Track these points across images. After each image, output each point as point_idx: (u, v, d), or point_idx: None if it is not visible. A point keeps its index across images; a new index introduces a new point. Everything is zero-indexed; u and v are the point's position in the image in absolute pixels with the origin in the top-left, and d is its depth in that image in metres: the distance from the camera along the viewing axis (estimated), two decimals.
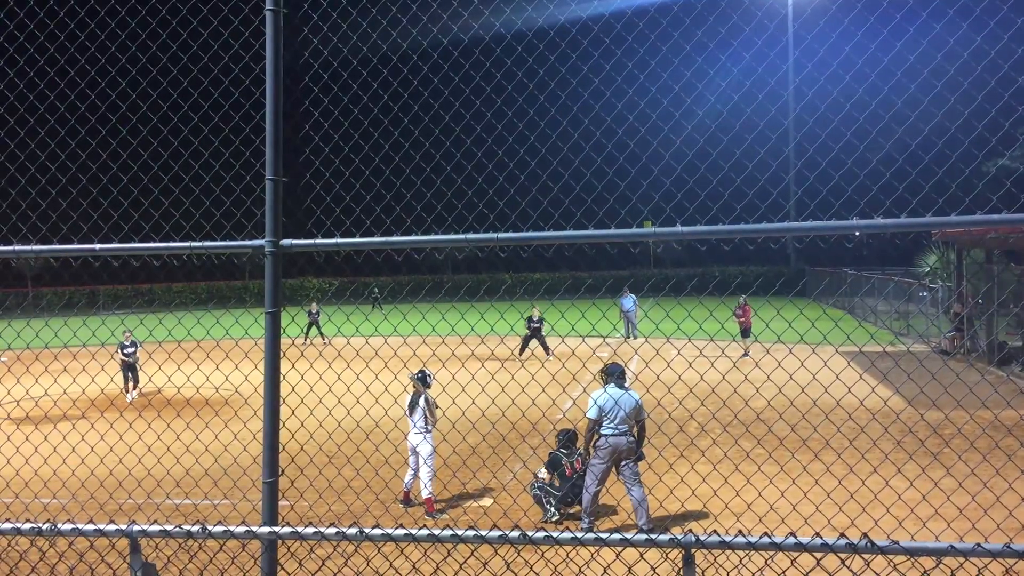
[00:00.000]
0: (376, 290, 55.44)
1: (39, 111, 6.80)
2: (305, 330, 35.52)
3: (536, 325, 29.55)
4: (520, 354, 28.84)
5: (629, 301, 34.88)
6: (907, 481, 7.06)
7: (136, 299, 64.13)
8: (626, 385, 10.93)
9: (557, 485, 11.47)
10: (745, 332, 28.15)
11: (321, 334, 35.71)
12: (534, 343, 29.80)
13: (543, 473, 11.61)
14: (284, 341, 5.48)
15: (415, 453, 11.82)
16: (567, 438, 11.75)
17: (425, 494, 11.63)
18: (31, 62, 6.69)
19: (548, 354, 29.03)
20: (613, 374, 10.99)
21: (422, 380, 11.85)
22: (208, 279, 66.80)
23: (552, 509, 11.26)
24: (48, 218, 6.90)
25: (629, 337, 34.28)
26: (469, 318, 7.00)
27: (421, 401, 11.77)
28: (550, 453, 11.73)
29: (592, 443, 10.82)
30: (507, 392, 6.88)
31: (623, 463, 10.68)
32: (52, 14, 6.57)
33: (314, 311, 35.67)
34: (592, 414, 10.70)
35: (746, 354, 26.28)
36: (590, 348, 26.98)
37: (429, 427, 11.77)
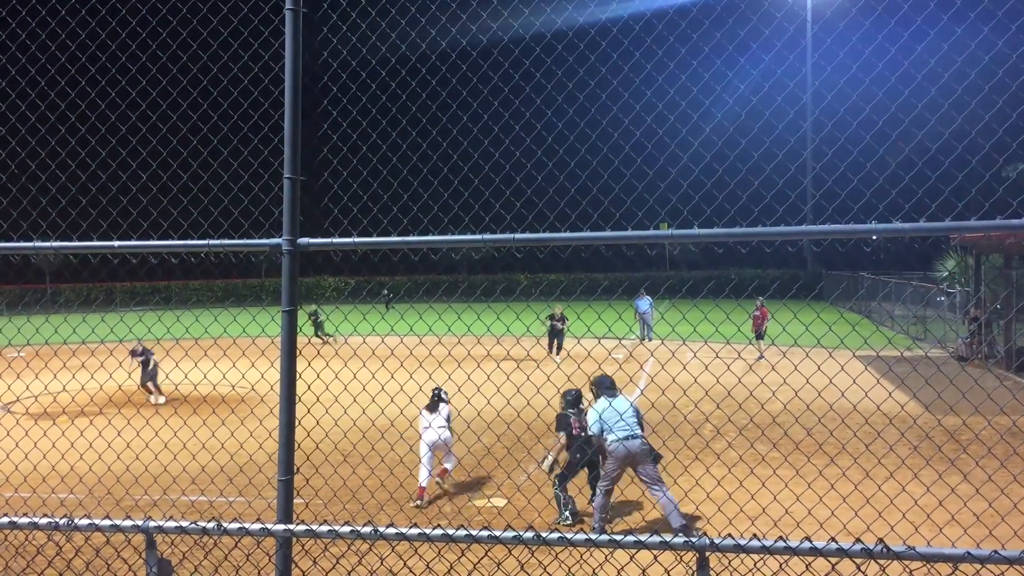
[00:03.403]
0: (387, 291, 55.26)
1: (60, 108, 6.85)
2: (315, 331, 35.42)
3: (558, 325, 29.62)
4: (551, 352, 28.88)
5: (645, 303, 34.82)
6: (923, 487, 7.02)
7: (153, 296, 64.43)
8: (617, 393, 11.02)
9: (562, 460, 11.42)
10: (759, 335, 28.04)
11: (326, 334, 35.61)
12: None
13: (551, 458, 11.59)
14: (300, 340, 5.49)
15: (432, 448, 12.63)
16: (574, 397, 11.73)
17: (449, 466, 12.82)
18: (53, 60, 6.74)
19: (557, 353, 29.05)
20: (602, 386, 11.09)
21: (441, 399, 13.08)
22: (225, 277, 67.12)
23: (567, 513, 11.26)
24: (68, 215, 6.94)
25: (645, 339, 34.23)
26: (485, 318, 7.02)
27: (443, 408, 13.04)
28: (558, 415, 11.65)
29: (606, 453, 10.82)
30: (522, 393, 6.88)
31: (640, 467, 10.64)
32: (73, 12, 6.61)
33: (312, 312, 35.50)
34: (595, 430, 10.77)
35: (761, 357, 26.18)
36: (606, 350, 26.93)
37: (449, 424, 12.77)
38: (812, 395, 6.93)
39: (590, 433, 10.85)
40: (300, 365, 5.46)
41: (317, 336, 35.63)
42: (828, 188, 5.67)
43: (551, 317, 29.63)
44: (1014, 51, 5.07)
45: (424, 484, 12.36)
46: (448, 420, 12.93)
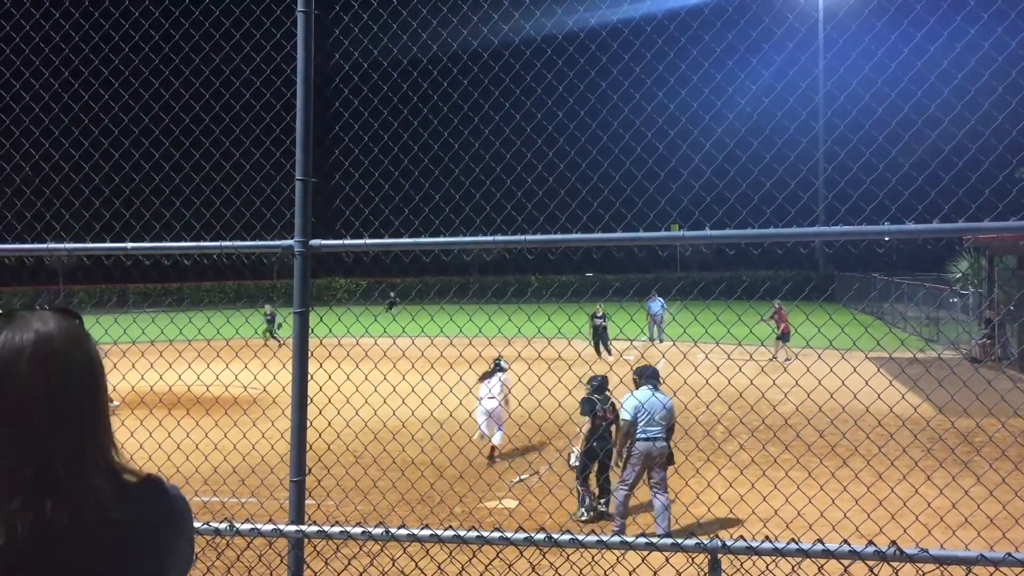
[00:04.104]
0: (392, 294, 54.83)
1: (73, 111, 6.88)
2: (267, 331, 34.62)
3: (600, 322, 29.54)
4: (599, 354, 28.79)
5: (657, 304, 34.76)
6: (936, 489, 6.98)
7: (166, 298, 64.59)
8: (659, 387, 10.91)
9: (581, 451, 11.41)
10: (784, 336, 27.81)
11: (274, 336, 34.59)
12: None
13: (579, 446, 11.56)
14: (312, 341, 5.50)
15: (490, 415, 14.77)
16: (600, 383, 11.69)
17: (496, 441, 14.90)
18: (66, 62, 6.77)
19: (609, 354, 28.98)
20: (648, 376, 10.96)
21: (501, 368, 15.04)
22: (237, 278, 67.23)
23: (583, 509, 11.28)
24: (81, 217, 6.98)
25: (655, 340, 34.12)
26: (496, 320, 7.03)
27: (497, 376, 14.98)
28: (582, 399, 11.61)
29: (627, 447, 10.77)
30: (533, 394, 6.88)
31: (654, 469, 10.63)
32: (87, 14, 6.65)
33: (268, 313, 34.97)
34: (628, 416, 10.67)
35: (774, 358, 26.05)
36: (618, 351, 26.91)
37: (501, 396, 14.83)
38: (824, 397, 6.92)
39: (622, 419, 10.74)
40: (311, 366, 5.47)
41: (269, 337, 34.54)
42: (840, 189, 5.65)
43: (593, 315, 29.56)
44: None
45: (496, 442, 14.75)
46: (501, 389, 14.61)
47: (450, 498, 12.12)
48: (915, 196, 5.27)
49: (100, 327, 8.03)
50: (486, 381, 14.85)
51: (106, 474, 1.96)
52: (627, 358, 26.75)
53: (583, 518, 11.23)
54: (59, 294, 59.81)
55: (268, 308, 36.09)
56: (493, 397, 14.66)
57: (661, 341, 33.72)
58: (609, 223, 5.52)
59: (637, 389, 10.88)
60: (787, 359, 25.81)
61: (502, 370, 14.79)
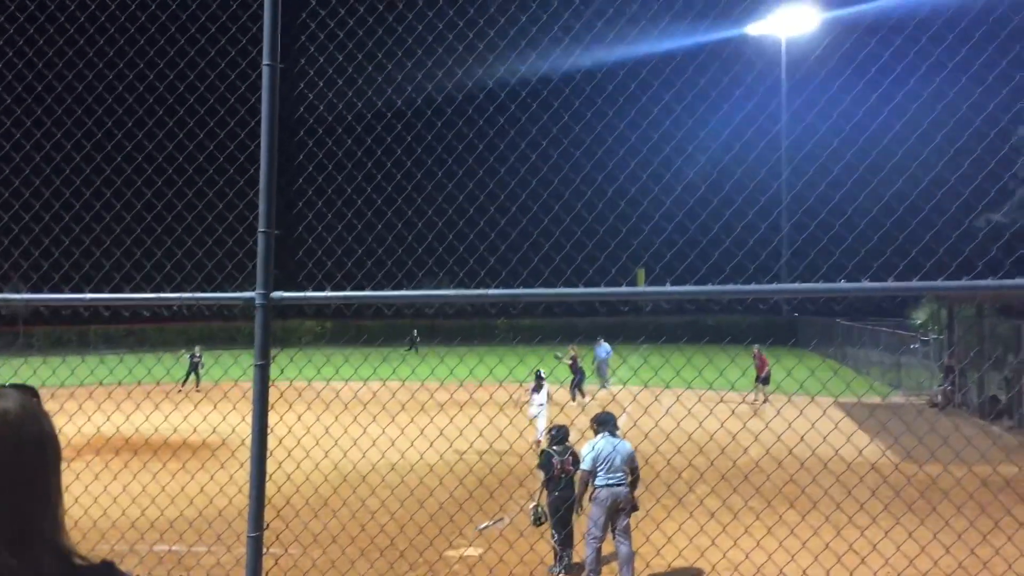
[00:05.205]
0: (416, 332, 54.87)
1: (34, 160, 6.84)
2: (185, 375, 32.92)
3: (571, 363, 29.00)
4: (573, 398, 28.37)
5: (603, 350, 33.49)
6: (906, 532, 7.03)
7: (128, 338, 63.66)
8: (616, 433, 10.92)
9: (544, 504, 11.35)
10: (764, 380, 27.51)
11: (198, 379, 33.33)
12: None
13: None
14: (272, 392, 5.45)
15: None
16: (560, 435, 11.62)
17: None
18: (28, 112, 6.75)
19: (583, 396, 28.50)
20: (606, 424, 10.98)
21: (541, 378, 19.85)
22: (204, 320, 66.36)
23: (561, 568, 11.20)
24: (39, 266, 6.90)
25: (606, 386, 32.00)
26: (464, 364, 7.02)
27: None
28: (542, 451, 11.57)
29: (589, 496, 10.74)
30: (505, 437, 6.85)
31: (619, 515, 10.59)
32: (51, 64, 6.63)
33: (196, 355, 33.54)
34: (586, 465, 10.65)
35: (765, 401, 26.17)
36: (582, 401, 26.83)
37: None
38: (788, 446, 6.96)
39: (581, 468, 10.71)
40: (272, 418, 5.41)
41: (194, 382, 33.25)
42: (799, 246, 5.74)
43: (573, 359, 29.12)
44: (978, 115, 5.17)
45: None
46: (547, 396, 19.73)
47: (411, 552, 12.00)
48: (871, 254, 5.36)
49: (57, 377, 7.91)
50: (539, 391, 19.54)
51: (54, 553, 1.94)
52: (590, 404, 26.71)
53: (560, 575, 11.16)
54: (18, 336, 58.93)
55: (197, 349, 34.16)
56: (543, 404, 19.34)
57: (603, 387, 31.79)
58: (571, 278, 5.54)
59: (595, 437, 10.90)
60: (755, 400, 26.01)
61: (540, 377, 19.60)
